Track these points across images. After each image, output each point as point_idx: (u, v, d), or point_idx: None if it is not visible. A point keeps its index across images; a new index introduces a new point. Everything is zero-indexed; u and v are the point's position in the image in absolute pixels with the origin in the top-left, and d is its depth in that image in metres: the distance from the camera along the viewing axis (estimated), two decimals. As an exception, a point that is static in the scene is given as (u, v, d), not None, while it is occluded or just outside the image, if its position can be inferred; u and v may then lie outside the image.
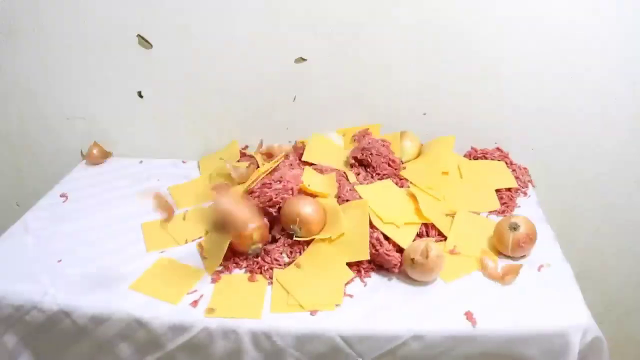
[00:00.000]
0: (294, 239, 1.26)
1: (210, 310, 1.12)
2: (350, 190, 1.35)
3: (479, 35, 1.52)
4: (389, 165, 1.47)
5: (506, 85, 1.58)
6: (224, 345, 1.10)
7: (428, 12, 1.51)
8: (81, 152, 1.72)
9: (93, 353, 1.16)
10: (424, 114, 1.63)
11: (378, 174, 1.45)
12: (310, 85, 1.62)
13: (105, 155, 1.73)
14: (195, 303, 1.14)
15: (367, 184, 1.41)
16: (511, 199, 1.45)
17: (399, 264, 1.20)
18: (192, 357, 1.12)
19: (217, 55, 1.60)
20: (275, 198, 1.30)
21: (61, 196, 1.53)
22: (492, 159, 1.59)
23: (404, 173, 1.48)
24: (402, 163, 1.53)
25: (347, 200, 1.32)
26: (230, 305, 1.14)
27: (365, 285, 1.19)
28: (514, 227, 1.23)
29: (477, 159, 1.60)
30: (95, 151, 1.71)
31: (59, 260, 1.27)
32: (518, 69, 1.56)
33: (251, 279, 1.21)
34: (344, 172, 1.45)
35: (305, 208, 1.26)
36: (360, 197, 1.32)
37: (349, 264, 1.22)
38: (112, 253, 1.30)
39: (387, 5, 1.50)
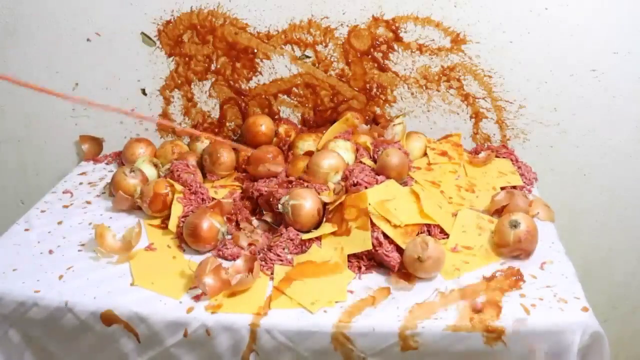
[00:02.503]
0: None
1: (212, 306, 1.12)
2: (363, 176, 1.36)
3: (483, 29, 1.52)
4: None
5: (510, 81, 1.58)
6: (224, 340, 1.10)
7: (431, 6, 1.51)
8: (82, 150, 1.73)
9: (95, 348, 1.16)
10: (428, 110, 1.63)
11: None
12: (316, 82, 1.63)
13: (99, 145, 1.74)
14: (197, 298, 1.15)
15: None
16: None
17: (397, 265, 1.19)
18: (194, 352, 1.12)
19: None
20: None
21: (64, 192, 1.53)
22: (497, 157, 1.58)
23: (410, 173, 1.48)
24: (411, 162, 1.53)
25: (357, 184, 1.32)
26: (232, 301, 1.14)
27: (366, 281, 1.19)
28: (515, 225, 1.22)
29: (482, 157, 1.60)
30: (85, 147, 1.72)
31: (62, 256, 1.28)
32: (523, 65, 1.55)
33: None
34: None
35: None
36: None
37: (350, 259, 1.22)
38: (115, 248, 1.30)
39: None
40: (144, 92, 1.68)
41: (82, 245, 1.32)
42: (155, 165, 1.54)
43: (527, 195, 1.40)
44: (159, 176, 1.52)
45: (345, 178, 1.37)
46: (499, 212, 1.35)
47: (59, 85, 1.67)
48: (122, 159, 1.65)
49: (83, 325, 1.14)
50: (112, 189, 1.46)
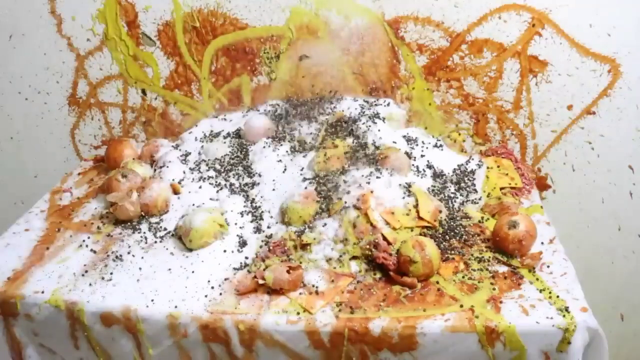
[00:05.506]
0: None
1: (212, 305, 1.13)
2: None
3: (481, 29, 1.53)
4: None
5: (509, 81, 1.58)
6: (223, 340, 1.11)
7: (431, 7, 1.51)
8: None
9: (96, 347, 1.17)
10: (429, 110, 1.63)
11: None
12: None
13: None
14: (196, 298, 1.15)
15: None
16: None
17: (396, 266, 1.19)
18: (193, 351, 1.13)
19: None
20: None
21: (64, 192, 1.54)
22: (497, 157, 1.58)
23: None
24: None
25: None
26: (232, 301, 1.14)
27: (364, 282, 1.19)
28: (513, 225, 1.22)
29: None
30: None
31: (62, 255, 1.28)
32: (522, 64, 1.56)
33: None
34: None
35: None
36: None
37: (350, 260, 1.22)
38: (114, 248, 1.30)
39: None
40: (144, 92, 1.68)
41: (82, 245, 1.32)
42: (143, 165, 1.53)
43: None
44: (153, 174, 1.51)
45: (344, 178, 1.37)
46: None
47: (60, 85, 1.68)
48: (107, 161, 1.61)
49: (83, 325, 1.15)
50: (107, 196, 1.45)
